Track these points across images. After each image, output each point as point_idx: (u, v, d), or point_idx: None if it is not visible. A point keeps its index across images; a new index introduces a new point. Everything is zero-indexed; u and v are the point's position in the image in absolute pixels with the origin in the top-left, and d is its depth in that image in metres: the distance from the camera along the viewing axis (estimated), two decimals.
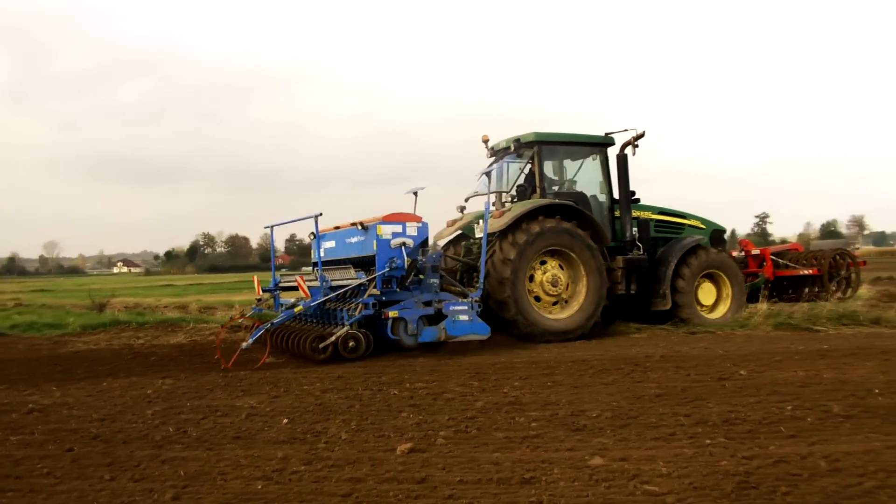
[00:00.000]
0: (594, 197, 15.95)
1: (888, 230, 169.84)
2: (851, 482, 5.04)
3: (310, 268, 14.00)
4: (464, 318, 12.71)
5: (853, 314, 15.24)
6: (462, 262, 14.97)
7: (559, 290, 14.42)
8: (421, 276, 12.80)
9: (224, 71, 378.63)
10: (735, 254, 17.74)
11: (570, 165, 16.40)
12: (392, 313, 12.28)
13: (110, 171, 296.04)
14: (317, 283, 12.62)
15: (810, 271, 17.36)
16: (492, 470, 5.56)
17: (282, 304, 13.31)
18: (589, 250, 14.44)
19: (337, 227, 14.10)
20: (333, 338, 11.79)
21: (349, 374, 10.42)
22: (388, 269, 12.33)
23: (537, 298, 14.33)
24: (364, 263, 13.08)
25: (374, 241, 12.42)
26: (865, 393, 7.93)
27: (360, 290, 12.59)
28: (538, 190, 15.09)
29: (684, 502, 4.83)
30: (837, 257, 17.80)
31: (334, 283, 12.58)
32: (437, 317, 12.64)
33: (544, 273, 14.42)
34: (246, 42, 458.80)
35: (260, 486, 5.39)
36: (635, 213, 16.00)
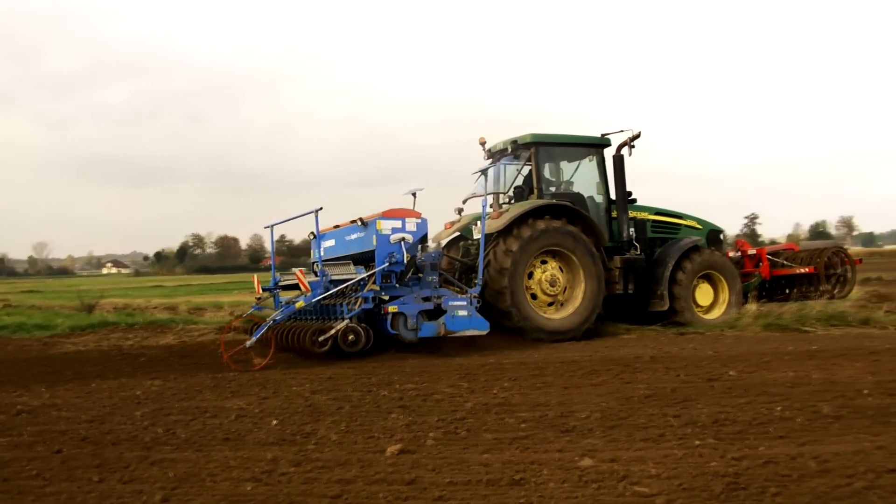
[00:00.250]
0: (591, 197, 16.06)
1: (877, 231, 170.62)
2: (841, 483, 5.05)
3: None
4: (463, 313, 12.80)
5: (842, 315, 15.28)
6: (461, 261, 15.00)
7: (556, 291, 14.48)
8: (420, 275, 12.88)
9: (214, 71, 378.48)
10: (731, 254, 17.78)
11: (567, 166, 16.54)
12: (392, 308, 12.35)
13: (100, 171, 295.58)
14: (316, 279, 12.65)
15: (807, 270, 17.40)
16: (481, 471, 5.56)
17: (282, 302, 13.33)
18: (590, 256, 14.58)
19: (336, 226, 14.16)
20: (333, 331, 11.81)
21: (339, 375, 10.42)
22: (387, 264, 12.42)
23: (534, 296, 14.38)
24: (364, 260, 13.14)
25: (374, 237, 12.52)
26: (854, 393, 7.94)
27: (359, 285, 12.62)
28: (536, 191, 15.21)
29: (674, 503, 4.83)
30: (833, 256, 17.86)
31: (334, 278, 12.60)
32: (437, 312, 12.71)
33: (544, 272, 14.49)
34: (236, 42, 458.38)
35: (249, 488, 5.38)
36: (632, 214, 16.08)
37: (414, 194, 13.69)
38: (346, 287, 12.67)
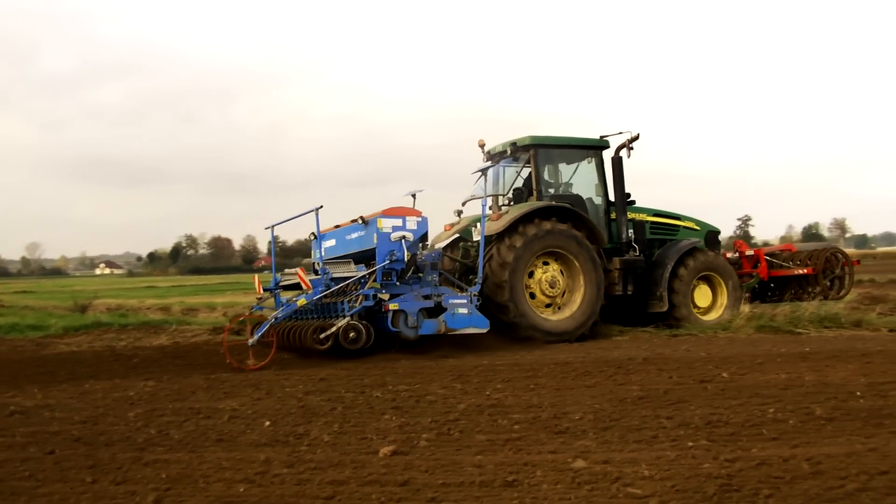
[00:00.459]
0: (590, 199, 16.12)
1: (869, 233, 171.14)
2: (833, 484, 5.06)
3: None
4: (463, 311, 12.89)
5: (835, 316, 15.30)
6: (460, 262, 15.03)
7: (555, 293, 14.52)
8: (420, 274, 12.96)
9: (207, 72, 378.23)
10: (729, 255, 17.80)
11: (566, 168, 16.62)
12: (392, 306, 12.41)
13: (93, 172, 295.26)
14: (317, 277, 12.69)
15: (805, 271, 17.43)
16: (474, 473, 5.56)
17: (282, 302, 13.40)
18: (592, 262, 14.63)
19: (337, 226, 14.21)
20: (334, 329, 11.86)
21: (332, 376, 10.41)
22: (388, 262, 12.49)
23: (532, 295, 14.42)
24: (365, 258, 13.18)
25: (375, 235, 12.58)
26: (847, 395, 7.96)
27: (360, 283, 12.67)
28: (535, 193, 15.24)
29: None
30: (832, 257, 17.89)
31: (335, 276, 12.63)
32: (437, 310, 12.78)
33: (545, 272, 14.53)
34: (229, 43, 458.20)
35: (242, 489, 5.37)
36: (631, 215, 16.15)
37: (413, 195, 13.77)
38: (347, 285, 12.73)
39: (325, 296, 12.58)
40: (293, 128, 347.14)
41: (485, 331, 13.12)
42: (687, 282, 15.82)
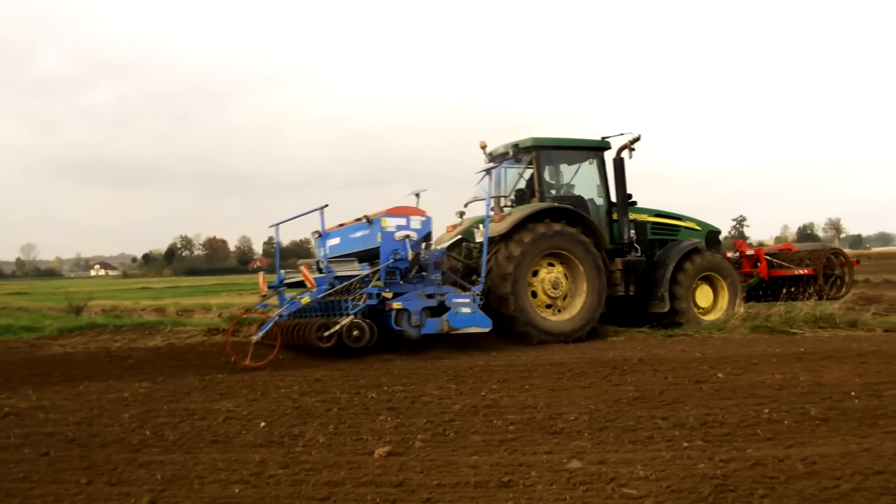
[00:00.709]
0: (591, 200, 16.17)
1: (864, 233, 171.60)
2: (828, 485, 5.07)
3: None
4: (466, 310, 12.96)
5: (830, 317, 15.33)
6: (463, 262, 15.05)
7: (557, 295, 14.51)
8: (424, 273, 12.99)
9: (201, 73, 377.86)
10: (729, 255, 17.81)
11: (568, 169, 16.68)
12: (396, 304, 12.46)
13: (87, 173, 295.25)
14: (321, 275, 12.77)
15: (805, 271, 17.45)
16: (469, 473, 5.56)
17: (286, 300, 13.51)
18: (596, 269, 14.67)
19: (341, 224, 14.26)
20: (338, 327, 11.89)
21: (327, 377, 10.41)
22: (392, 261, 12.53)
23: (534, 294, 14.43)
24: (368, 257, 13.24)
25: (379, 234, 12.65)
26: (842, 396, 7.97)
27: (364, 281, 12.72)
28: (537, 194, 15.29)
29: None
30: (832, 256, 17.92)
31: (339, 274, 12.70)
32: (440, 309, 12.83)
33: (549, 273, 14.55)
34: (223, 44, 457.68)
35: (237, 490, 5.37)
36: (632, 216, 16.17)
37: (417, 195, 13.81)
38: (351, 283, 12.76)
39: (329, 294, 12.60)
40: (288, 128, 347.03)
41: (487, 330, 13.18)
42: (688, 282, 15.85)
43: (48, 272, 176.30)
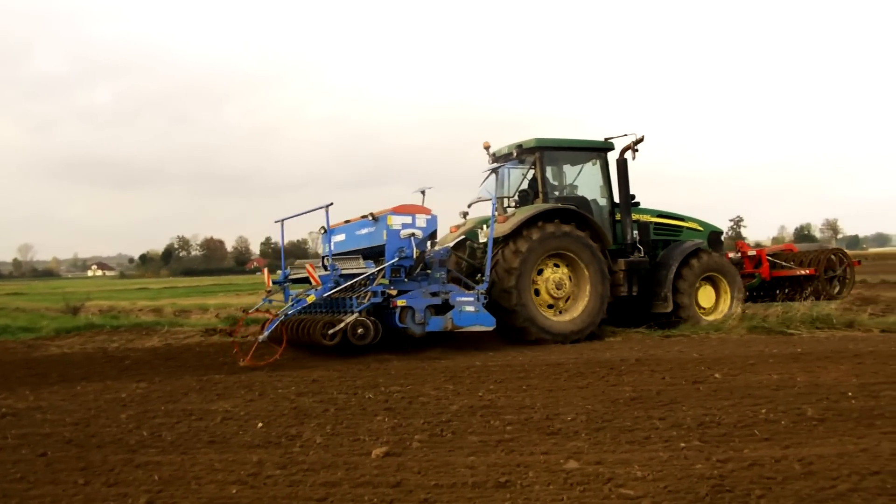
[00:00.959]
0: (594, 201, 16.21)
1: (861, 234, 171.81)
2: (825, 485, 5.07)
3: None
4: (470, 308, 13.03)
5: (827, 317, 15.33)
6: (467, 261, 15.08)
7: (560, 296, 14.54)
8: (428, 271, 13.06)
9: (199, 73, 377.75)
10: (731, 255, 17.82)
11: (571, 170, 16.72)
12: (400, 302, 12.54)
13: (85, 173, 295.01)
14: (326, 273, 12.83)
15: (807, 271, 17.46)
16: (467, 474, 5.56)
17: (291, 296, 13.57)
18: (600, 275, 14.70)
19: (347, 221, 14.36)
20: (343, 324, 11.95)
21: (324, 377, 10.41)
22: (397, 259, 12.60)
23: (536, 292, 14.45)
24: (374, 254, 13.34)
25: (384, 232, 12.71)
26: (839, 396, 7.98)
27: (369, 279, 12.77)
28: (541, 195, 15.33)
29: None
30: (833, 257, 17.94)
31: (344, 272, 12.73)
32: (444, 307, 12.88)
33: (553, 273, 14.59)
34: (221, 44, 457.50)
35: (234, 491, 5.37)
36: (635, 217, 16.23)
37: (423, 192, 13.87)
38: (356, 281, 12.79)
39: (334, 292, 12.64)
40: (286, 129, 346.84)
41: (491, 328, 13.24)
42: (691, 282, 15.87)
43: (45, 272, 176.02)
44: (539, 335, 13.85)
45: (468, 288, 13.33)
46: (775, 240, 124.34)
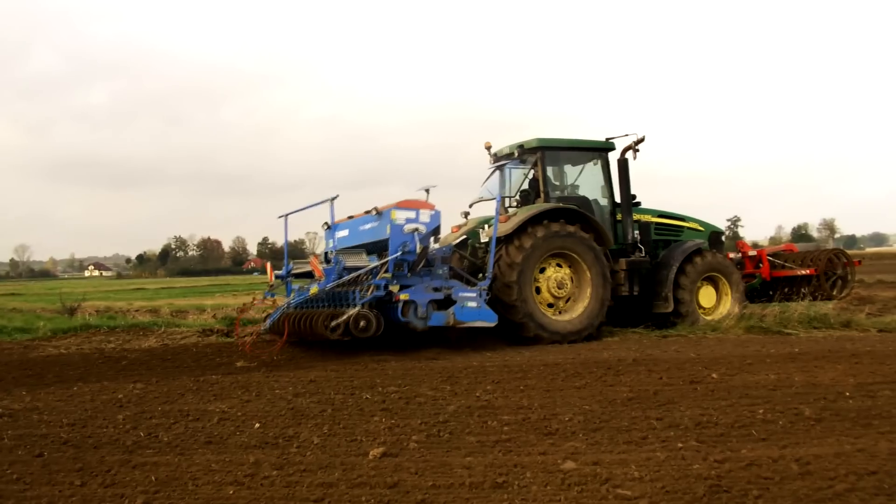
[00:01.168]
0: (596, 201, 16.22)
1: (858, 233, 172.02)
2: (822, 485, 5.08)
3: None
4: (472, 304, 13.04)
5: (824, 317, 15.37)
6: (469, 259, 15.09)
7: (561, 296, 14.56)
8: (431, 269, 13.08)
9: (195, 73, 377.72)
10: (732, 255, 17.84)
11: (572, 170, 16.72)
12: (403, 296, 12.54)
13: (81, 173, 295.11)
14: (330, 266, 12.89)
15: (807, 271, 17.48)
16: (464, 474, 5.56)
17: (294, 290, 13.64)
18: (602, 278, 14.68)
19: (351, 217, 14.38)
20: (345, 317, 11.92)
21: (321, 378, 10.39)
22: (400, 253, 12.57)
23: (538, 290, 14.46)
24: (377, 249, 13.35)
25: (388, 226, 12.69)
26: (836, 396, 7.99)
27: (372, 273, 12.77)
28: (542, 195, 15.33)
29: None
30: (833, 257, 17.96)
31: (348, 265, 12.77)
32: (447, 303, 12.89)
33: (556, 272, 14.60)
34: (218, 44, 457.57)
35: (231, 492, 5.36)
36: (636, 217, 16.26)
37: (427, 191, 13.85)
38: (359, 275, 12.83)
39: (337, 285, 12.68)
40: (283, 129, 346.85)
41: (493, 325, 13.23)
42: (692, 282, 15.89)
43: (42, 273, 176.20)
44: (537, 332, 13.83)
45: (470, 284, 13.32)
46: (772, 239, 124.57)
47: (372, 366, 11.42)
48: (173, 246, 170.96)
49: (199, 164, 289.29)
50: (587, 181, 16.48)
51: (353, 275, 12.73)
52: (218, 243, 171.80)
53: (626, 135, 16.08)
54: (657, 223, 16.85)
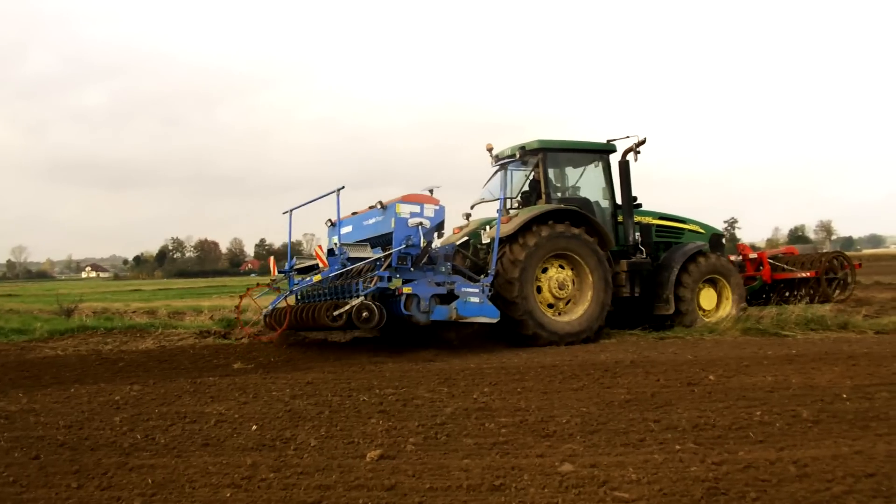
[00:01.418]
0: (597, 202, 16.26)
1: (855, 235, 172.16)
2: (820, 487, 5.08)
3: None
4: (475, 299, 13.04)
5: (821, 319, 15.37)
6: (471, 258, 15.11)
7: (561, 297, 14.58)
8: (434, 266, 13.08)
9: (192, 75, 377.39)
10: (732, 258, 17.86)
11: (573, 172, 16.76)
12: (406, 289, 12.51)
13: (78, 174, 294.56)
14: (334, 257, 13.03)
15: (808, 274, 17.50)
16: (461, 477, 5.55)
17: (296, 285, 13.80)
18: (603, 282, 14.70)
19: (355, 213, 14.46)
20: (348, 307, 11.96)
21: (318, 380, 10.39)
22: (404, 246, 12.61)
23: (539, 290, 14.48)
24: (381, 243, 13.39)
25: (392, 219, 12.78)
26: (833, 398, 7.99)
27: (375, 265, 12.84)
28: (543, 196, 15.37)
29: None
30: (834, 260, 17.98)
31: (352, 255, 12.87)
32: (449, 298, 12.90)
33: (558, 273, 14.63)
34: (214, 46, 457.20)
35: (228, 494, 5.36)
36: (637, 218, 16.29)
37: (430, 191, 13.86)
38: (363, 267, 12.92)
39: (341, 276, 12.77)
40: (278, 131, 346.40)
41: (495, 321, 13.22)
42: (693, 285, 15.93)
43: (39, 274, 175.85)
44: (535, 330, 13.83)
45: (473, 280, 13.33)
46: (769, 241, 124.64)
47: (369, 367, 11.41)
48: (170, 247, 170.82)
49: (196, 165, 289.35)
50: (588, 183, 16.51)
51: (357, 265, 12.83)
52: (215, 245, 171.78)
53: (628, 137, 16.11)
54: (658, 225, 16.90)
